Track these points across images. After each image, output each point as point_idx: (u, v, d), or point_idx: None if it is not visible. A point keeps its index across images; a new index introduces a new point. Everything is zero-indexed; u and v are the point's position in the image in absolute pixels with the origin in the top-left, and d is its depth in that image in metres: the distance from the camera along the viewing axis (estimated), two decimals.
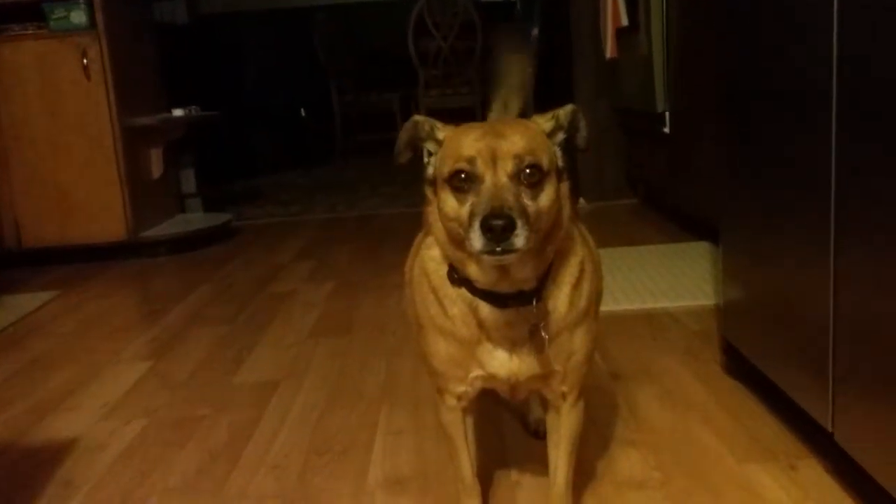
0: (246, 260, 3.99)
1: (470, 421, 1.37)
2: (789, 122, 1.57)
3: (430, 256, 1.24)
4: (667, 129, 3.60)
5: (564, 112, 1.18)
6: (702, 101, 3.10)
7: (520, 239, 1.02)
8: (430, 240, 1.24)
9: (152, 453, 1.88)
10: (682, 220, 3.71)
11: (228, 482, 1.71)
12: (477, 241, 1.02)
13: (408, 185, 5.77)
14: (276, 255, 4.00)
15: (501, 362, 1.22)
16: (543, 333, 1.20)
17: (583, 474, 1.58)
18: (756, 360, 1.81)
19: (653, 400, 1.94)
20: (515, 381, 1.24)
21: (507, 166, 1.07)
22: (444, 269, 1.20)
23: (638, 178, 4.40)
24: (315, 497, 1.62)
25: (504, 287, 1.15)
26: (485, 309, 1.17)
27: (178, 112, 4.37)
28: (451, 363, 1.26)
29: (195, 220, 4.63)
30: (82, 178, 4.01)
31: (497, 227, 1.01)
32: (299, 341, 2.61)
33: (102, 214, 4.03)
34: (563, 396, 1.30)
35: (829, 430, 1.45)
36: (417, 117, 1.19)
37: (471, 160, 1.07)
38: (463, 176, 1.07)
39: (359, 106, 7.28)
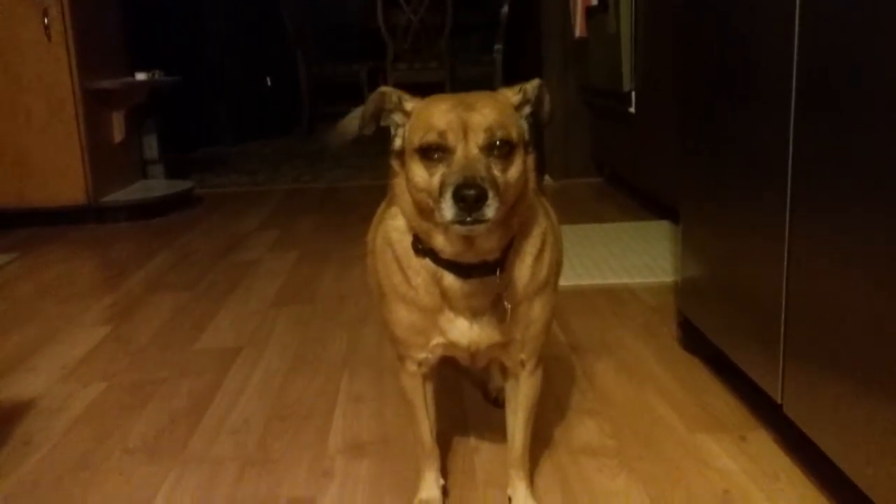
0: (208, 228, 3.96)
1: (430, 387, 1.39)
2: (748, 104, 1.60)
3: (394, 227, 1.24)
4: (632, 109, 3.64)
5: (532, 86, 1.20)
6: (666, 82, 3.13)
7: (490, 209, 1.04)
8: (393, 210, 1.24)
9: (111, 416, 1.87)
10: (645, 200, 3.76)
11: (188, 445, 1.71)
12: (448, 210, 1.04)
13: (373, 157, 5.75)
14: (240, 224, 3.97)
15: (462, 331, 1.24)
16: (506, 304, 1.22)
17: (540, 441, 1.62)
18: (711, 335, 1.86)
19: (610, 372, 1.98)
20: (476, 350, 1.26)
21: (479, 138, 1.08)
22: (408, 239, 1.21)
23: (603, 158, 4.44)
24: (275, 461, 1.63)
25: (468, 258, 1.16)
26: (448, 279, 1.19)
27: (140, 76, 4.29)
28: (413, 330, 1.27)
29: (157, 186, 4.57)
30: (42, 141, 3.93)
31: (469, 196, 1.02)
32: (262, 309, 2.61)
33: (62, 178, 3.96)
34: (522, 364, 1.33)
35: (779, 401, 1.50)
36: (384, 88, 1.19)
37: (442, 132, 1.08)
38: (434, 147, 1.08)
39: (325, 77, 7.21)
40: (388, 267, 1.26)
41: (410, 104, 1.17)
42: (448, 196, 1.03)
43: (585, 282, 2.67)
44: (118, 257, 3.54)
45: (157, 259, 3.36)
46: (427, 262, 1.19)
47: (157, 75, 4.39)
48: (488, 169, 1.07)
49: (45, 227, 3.98)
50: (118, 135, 4.28)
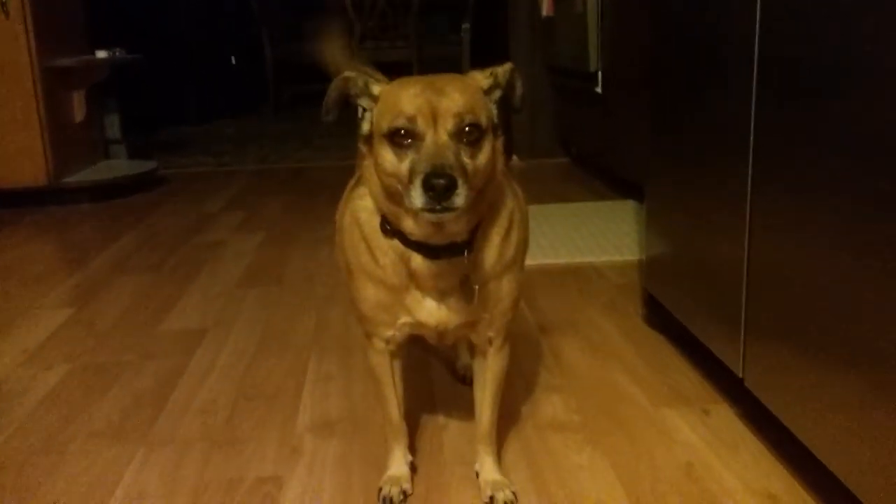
0: (173, 209, 3.91)
1: (398, 364, 1.39)
2: (712, 84, 1.62)
3: (363, 207, 1.24)
4: (599, 89, 3.65)
5: (503, 70, 1.18)
6: (632, 63, 3.15)
7: (460, 198, 1.03)
8: (362, 189, 1.24)
9: (75, 398, 1.85)
10: (612, 180, 3.79)
11: (154, 427, 1.70)
12: (418, 198, 1.03)
13: (340, 137, 5.71)
14: (205, 205, 3.93)
15: (430, 311, 1.25)
16: (474, 285, 1.23)
17: (507, 417, 1.63)
18: (675, 311, 1.89)
19: (576, 349, 2.00)
20: (444, 329, 1.27)
21: (448, 124, 1.07)
22: (377, 219, 1.21)
23: (570, 138, 4.46)
24: (243, 440, 1.62)
25: (437, 239, 1.16)
26: (416, 260, 1.19)
27: (101, 54, 4.21)
28: (380, 308, 1.28)
29: (119, 166, 4.49)
30: None
31: (439, 185, 1.02)
32: (228, 291, 2.59)
33: (21, 159, 3.88)
34: (490, 341, 1.34)
35: (740, 375, 1.53)
36: (348, 73, 1.17)
37: (411, 118, 1.07)
38: (403, 133, 1.07)
39: (291, 55, 7.13)
40: (356, 246, 1.26)
41: (377, 88, 1.16)
42: (418, 184, 1.03)
43: (551, 260, 2.69)
44: (80, 239, 3.48)
45: (121, 241, 3.31)
46: (395, 242, 1.19)
47: (118, 53, 4.31)
48: (457, 156, 1.06)
49: (4, 209, 3.90)
50: (79, 114, 4.20)
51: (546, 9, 4.12)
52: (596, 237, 2.94)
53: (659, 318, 2.03)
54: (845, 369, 1.18)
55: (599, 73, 3.61)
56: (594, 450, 1.52)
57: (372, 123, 1.14)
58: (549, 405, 1.71)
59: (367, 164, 1.17)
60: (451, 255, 1.18)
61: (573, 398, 1.74)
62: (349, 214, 1.28)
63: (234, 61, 7.40)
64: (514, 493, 1.37)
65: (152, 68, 5.18)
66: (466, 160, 1.08)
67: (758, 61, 1.40)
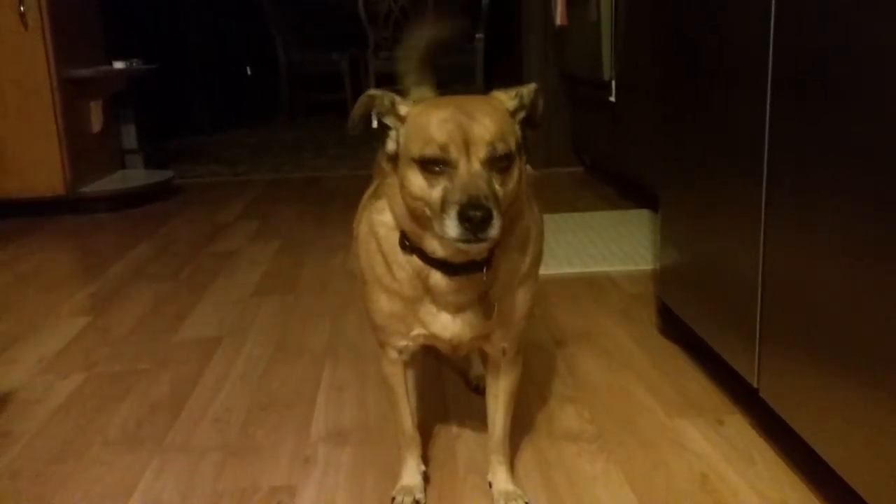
0: (188, 218, 3.94)
1: (411, 374, 1.39)
2: (726, 93, 1.62)
3: (381, 221, 1.23)
4: (612, 98, 3.65)
5: (528, 91, 1.19)
6: (646, 71, 3.15)
7: (495, 229, 1.03)
8: (381, 203, 1.24)
9: (91, 406, 1.87)
10: (626, 189, 3.78)
11: (169, 435, 1.71)
12: (453, 229, 1.03)
13: (355, 147, 5.74)
14: (220, 214, 3.95)
15: (444, 324, 1.25)
16: (494, 301, 1.23)
17: (521, 427, 1.63)
18: (689, 321, 1.88)
19: (590, 358, 2.00)
20: (458, 342, 1.27)
21: (480, 153, 1.06)
22: (395, 235, 1.21)
23: (584, 147, 4.46)
24: (257, 449, 1.63)
25: (458, 258, 1.16)
26: (435, 276, 1.19)
27: (118, 64, 4.25)
28: (394, 319, 1.28)
29: (136, 176, 4.53)
30: (18, 131, 3.88)
31: (476, 218, 1.02)
32: (243, 299, 2.60)
33: (40, 168, 3.92)
34: (504, 352, 1.34)
35: (755, 385, 1.52)
36: (374, 91, 1.15)
37: (444, 146, 1.06)
38: (435, 160, 1.07)
39: (306, 65, 7.17)
40: (372, 258, 1.26)
41: (404, 108, 1.15)
42: (453, 215, 1.03)
43: (566, 270, 2.69)
44: (97, 248, 3.51)
45: (137, 249, 3.34)
46: (414, 258, 1.19)
47: (135, 63, 4.34)
48: (490, 185, 1.06)
49: (22, 218, 3.94)
50: (96, 124, 4.24)
51: (560, 18, 4.13)
52: (610, 246, 2.93)
53: (673, 327, 2.02)
54: (861, 379, 1.17)
55: (613, 82, 3.61)
56: (608, 460, 1.52)
57: (398, 144, 1.14)
58: (562, 415, 1.71)
59: (391, 182, 1.17)
60: (470, 272, 1.18)
61: (587, 408, 1.74)
62: (366, 227, 1.28)
63: (249, 71, 7.45)
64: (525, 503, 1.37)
65: (168, 79, 5.23)
66: (497, 187, 1.08)
67: (772, 68, 1.40)
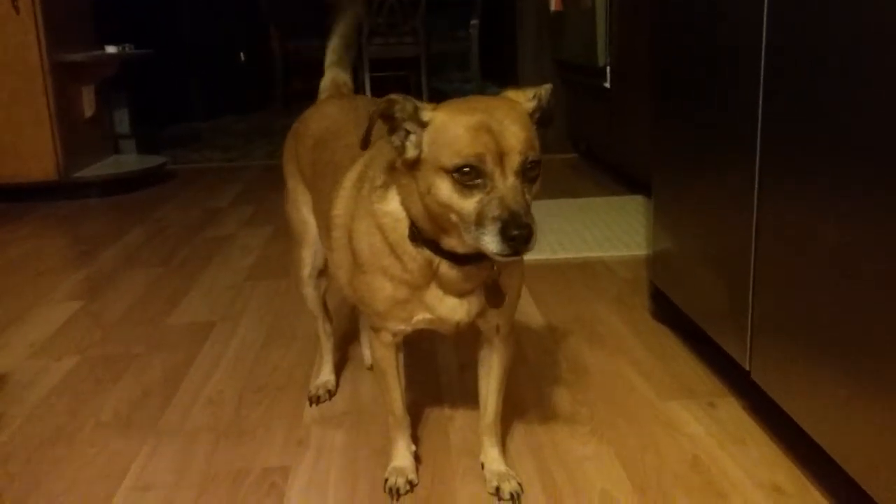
0: (181, 204, 3.92)
1: (399, 357, 1.40)
2: (719, 79, 1.61)
3: (386, 212, 1.22)
4: (607, 84, 3.64)
5: (545, 91, 1.19)
6: (641, 57, 3.14)
7: (534, 242, 1.05)
8: (379, 192, 1.22)
9: (84, 389, 1.86)
10: (620, 175, 3.78)
11: (163, 417, 1.71)
12: (495, 245, 1.04)
13: None
14: (213, 200, 3.94)
15: (452, 307, 1.26)
16: (503, 290, 1.25)
17: (513, 409, 1.64)
18: (682, 305, 1.88)
19: (583, 342, 2.00)
20: (464, 324, 1.28)
21: (514, 164, 1.06)
22: (403, 226, 1.20)
23: (579, 134, 4.45)
24: (250, 431, 1.63)
25: (470, 250, 1.17)
26: (444, 266, 1.20)
27: (110, 49, 4.23)
28: (396, 305, 1.28)
29: (129, 161, 4.51)
30: (10, 116, 3.87)
31: (521, 237, 1.03)
32: (236, 284, 2.60)
33: (31, 153, 3.90)
34: (497, 329, 1.34)
35: (747, 368, 1.52)
36: (394, 96, 1.12)
37: (479, 157, 1.05)
38: (469, 171, 1.06)
39: (299, 51, 7.14)
40: (378, 251, 1.24)
41: (428, 114, 1.12)
42: (495, 231, 1.04)
43: (559, 255, 2.69)
44: (90, 233, 3.50)
45: (130, 235, 3.33)
46: (424, 249, 1.20)
47: (127, 48, 4.32)
48: (525, 197, 1.07)
49: (14, 203, 3.93)
50: (88, 109, 4.22)
51: (554, 4, 4.11)
52: (604, 232, 2.94)
53: (666, 311, 2.03)
54: (852, 362, 1.17)
55: (608, 69, 3.61)
56: (600, 442, 1.53)
57: (420, 149, 1.12)
58: (555, 397, 1.72)
59: (407, 184, 1.16)
60: (478, 261, 1.19)
61: (580, 391, 1.74)
62: (367, 220, 1.26)
63: (242, 57, 7.41)
64: (519, 484, 1.37)
65: (161, 64, 5.19)
66: (528, 197, 1.09)
67: (765, 52, 1.39)
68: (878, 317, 1.10)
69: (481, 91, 7.58)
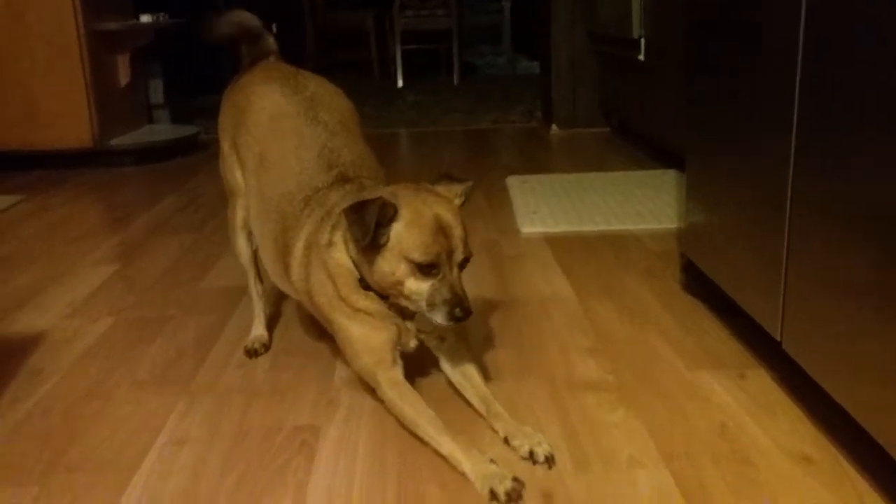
0: (214, 173, 3.94)
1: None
2: (756, 51, 1.59)
3: (338, 262, 1.45)
4: (642, 57, 3.60)
5: (468, 188, 1.47)
6: (676, 29, 3.09)
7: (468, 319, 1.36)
8: (336, 238, 1.45)
9: (119, 349, 1.90)
10: (653, 149, 3.74)
11: (196, 377, 1.74)
12: (442, 318, 1.35)
13: (379, 108, 5.72)
14: None
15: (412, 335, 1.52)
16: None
17: (540, 377, 1.65)
18: (713, 276, 1.87)
19: (612, 313, 2.00)
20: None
21: (459, 259, 1.37)
22: (352, 277, 1.44)
23: (612, 107, 4.41)
24: (282, 392, 1.66)
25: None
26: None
27: (145, 18, 4.26)
28: (386, 346, 1.48)
29: (163, 130, 4.56)
30: (46, 84, 3.92)
31: (462, 315, 1.35)
32: None
33: (67, 121, 3.96)
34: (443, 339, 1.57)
35: (778, 338, 1.52)
36: (387, 199, 1.33)
37: (438, 255, 1.34)
38: (430, 265, 1.34)
39: (331, 22, 7.13)
40: (336, 306, 1.48)
41: (399, 213, 1.35)
42: (445, 311, 1.34)
43: (588, 228, 2.68)
44: (124, 200, 3.55)
45: (164, 202, 3.37)
46: (371, 294, 1.44)
47: (161, 18, 4.35)
48: (461, 282, 1.37)
49: (51, 170, 3.99)
50: (123, 78, 4.26)
51: None
52: (635, 206, 2.92)
53: (697, 283, 2.01)
54: (885, 331, 1.16)
55: (643, 40, 3.56)
56: (627, 410, 1.53)
57: (394, 243, 1.34)
58: (582, 366, 1.72)
59: (367, 261, 1.38)
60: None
61: (607, 360, 1.74)
62: (321, 267, 1.48)
63: (274, 29, 7.42)
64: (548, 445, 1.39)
65: (195, 34, 5.21)
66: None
67: (804, 24, 1.37)
68: None
69: (512, 66, 7.53)
